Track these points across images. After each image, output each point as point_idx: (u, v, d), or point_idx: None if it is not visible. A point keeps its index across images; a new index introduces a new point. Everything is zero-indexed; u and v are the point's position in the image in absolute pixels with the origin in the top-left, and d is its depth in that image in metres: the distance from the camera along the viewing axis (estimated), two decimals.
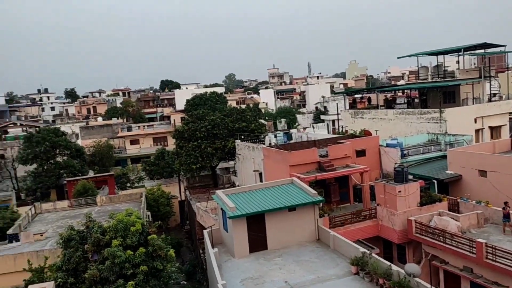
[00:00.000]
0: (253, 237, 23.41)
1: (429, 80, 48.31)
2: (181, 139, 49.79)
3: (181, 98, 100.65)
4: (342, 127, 53.73)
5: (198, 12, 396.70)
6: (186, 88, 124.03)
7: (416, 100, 49.30)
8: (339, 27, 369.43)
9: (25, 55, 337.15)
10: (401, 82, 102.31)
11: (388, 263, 18.92)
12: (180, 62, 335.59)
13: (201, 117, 50.30)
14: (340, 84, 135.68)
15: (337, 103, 73.24)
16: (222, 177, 52.31)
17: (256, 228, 23.45)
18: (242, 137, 45.03)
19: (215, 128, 48.23)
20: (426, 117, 40.02)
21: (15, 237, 33.59)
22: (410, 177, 27.52)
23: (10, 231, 34.42)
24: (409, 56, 50.50)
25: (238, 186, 42.62)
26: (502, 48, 45.70)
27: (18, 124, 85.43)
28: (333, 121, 71.37)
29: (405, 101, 50.37)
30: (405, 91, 54.06)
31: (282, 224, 23.84)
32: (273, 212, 23.48)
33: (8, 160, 61.08)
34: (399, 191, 25.79)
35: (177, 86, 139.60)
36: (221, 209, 24.92)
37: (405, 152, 33.53)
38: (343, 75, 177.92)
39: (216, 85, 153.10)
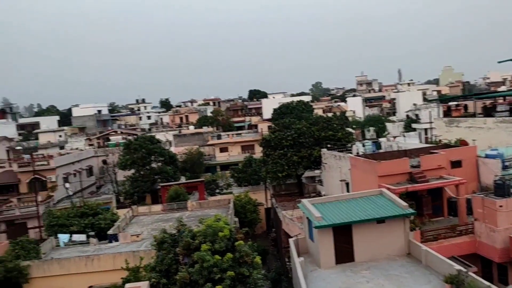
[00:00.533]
0: (339, 248, 23.01)
1: None
2: (268, 147, 50.47)
3: (268, 107, 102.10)
4: (436, 136, 51.00)
5: (287, 19, 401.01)
6: (273, 97, 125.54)
7: None
8: (431, 29, 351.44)
9: (126, 68, 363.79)
10: (503, 88, 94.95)
11: (487, 283, 17.60)
12: (267, 71, 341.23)
13: (287, 126, 50.59)
14: (433, 91, 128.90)
15: (430, 111, 69.64)
16: (307, 186, 52.06)
17: (343, 239, 23.03)
18: (329, 145, 44.52)
19: (301, 137, 48.23)
20: None
21: (114, 238, 36.15)
22: None
23: (110, 232, 37.11)
24: None
25: (324, 195, 42.15)
26: None
27: (119, 132, 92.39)
28: (426, 130, 67.91)
29: (508, 108, 46.56)
30: (507, 97, 50.04)
31: (370, 236, 23.17)
32: (361, 223, 22.93)
33: (110, 166, 66.07)
34: (500, 206, 23.88)
35: (265, 95, 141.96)
36: (307, 218, 24.82)
37: (507, 163, 30.97)
38: (436, 82, 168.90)
39: (302, 93, 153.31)
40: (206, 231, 21.71)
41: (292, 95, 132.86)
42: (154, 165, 59.24)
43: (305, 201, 25.89)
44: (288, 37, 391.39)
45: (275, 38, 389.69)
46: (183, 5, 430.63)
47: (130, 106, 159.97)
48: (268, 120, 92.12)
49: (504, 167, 30.31)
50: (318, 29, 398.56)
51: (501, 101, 53.42)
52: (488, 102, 53.30)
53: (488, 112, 47.35)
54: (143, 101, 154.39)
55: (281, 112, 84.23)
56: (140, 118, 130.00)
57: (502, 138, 38.87)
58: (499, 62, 56.46)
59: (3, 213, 47.24)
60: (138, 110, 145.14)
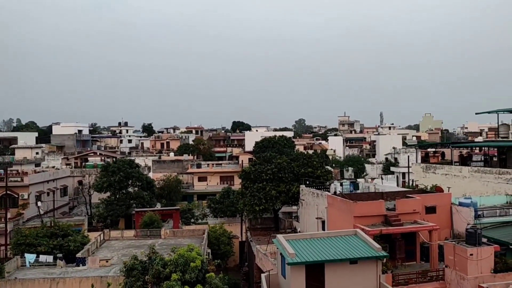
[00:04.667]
0: (311, 287, 22.83)
1: (510, 138, 45.72)
2: (247, 180, 50.48)
3: (251, 139, 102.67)
4: (413, 181, 51.82)
5: (275, 57, 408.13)
6: (256, 131, 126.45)
7: (495, 159, 46.66)
8: (415, 78, 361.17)
9: (110, 90, 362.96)
10: (479, 138, 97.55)
11: None
12: (252, 104, 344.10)
13: (268, 160, 50.86)
14: (413, 136, 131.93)
15: (408, 156, 71.07)
16: (284, 221, 51.93)
17: (315, 278, 22.89)
18: (307, 182, 44.79)
19: (281, 172, 48.45)
20: (505, 177, 37.65)
21: (82, 261, 35.24)
22: (484, 240, 25.78)
23: (79, 255, 36.18)
24: (489, 112, 48.30)
25: (299, 232, 42.06)
26: None
27: (98, 154, 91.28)
28: (403, 173, 69.02)
29: (482, 159, 47.80)
30: (483, 148, 51.45)
31: (342, 276, 23.09)
32: (333, 263, 22.88)
33: (85, 187, 64.95)
34: (471, 254, 24.18)
35: (248, 128, 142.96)
36: (281, 254, 24.67)
37: (479, 212, 31.57)
38: (416, 128, 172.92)
39: (285, 129, 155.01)
40: (177, 260, 21.41)
41: (275, 130, 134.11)
42: (130, 189, 58.51)
43: (280, 236, 25.79)
44: (273, 74, 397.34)
45: (262, 72, 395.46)
46: (177, 31, 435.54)
47: (112, 128, 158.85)
48: (249, 152, 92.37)
49: (477, 216, 30.86)
50: (306, 68, 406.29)
51: (477, 151, 54.88)
52: (464, 151, 54.70)
53: (464, 161, 48.58)
54: (126, 124, 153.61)
55: (263, 145, 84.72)
56: (121, 141, 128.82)
57: (476, 187, 39.77)
58: (477, 113, 58.38)
59: None
60: (120, 132, 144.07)
